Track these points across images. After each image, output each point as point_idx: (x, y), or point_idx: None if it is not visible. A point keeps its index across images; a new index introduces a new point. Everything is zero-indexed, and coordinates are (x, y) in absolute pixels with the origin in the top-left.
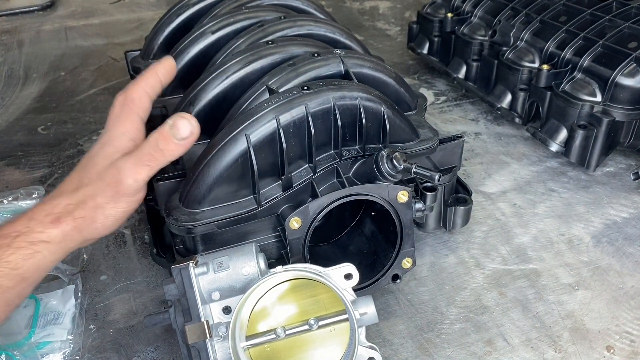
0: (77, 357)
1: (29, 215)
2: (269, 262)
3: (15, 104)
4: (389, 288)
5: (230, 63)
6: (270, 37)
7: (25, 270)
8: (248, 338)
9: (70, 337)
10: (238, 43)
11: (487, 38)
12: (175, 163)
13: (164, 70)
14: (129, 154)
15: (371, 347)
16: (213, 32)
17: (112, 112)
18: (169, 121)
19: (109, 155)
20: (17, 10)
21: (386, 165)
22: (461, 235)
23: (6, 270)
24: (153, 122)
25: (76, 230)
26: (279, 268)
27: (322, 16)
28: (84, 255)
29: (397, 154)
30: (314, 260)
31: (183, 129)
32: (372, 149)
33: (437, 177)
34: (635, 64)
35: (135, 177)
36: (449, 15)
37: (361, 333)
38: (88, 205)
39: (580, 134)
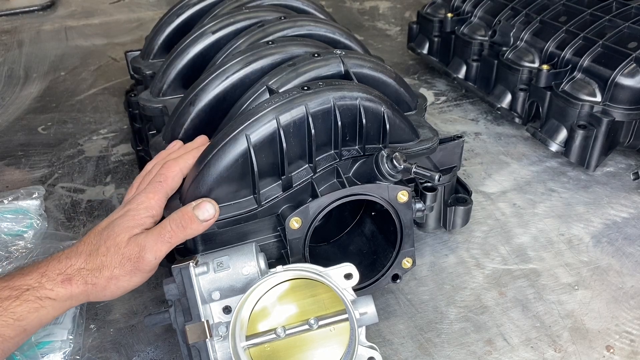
0: (78, 357)
1: (42, 271)
2: (269, 262)
3: (15, 104)
4: (389, 288)
5: (231, 63)
6: (270, 37)
7: (27, 322)
8: (248, 337)
9: (71, 337)
10: (238, 43)
11: (487, 38)
12: None
13: (198, 153)
14: (151, 231)
15: (371, 347)
16: (213, 32)
17: (142, 177)
18: (193, 203)
19: (129, 228)
20: (17, 10)
21: (386, 165)
22: (461, 235)
23: (10, 321)
24: (153, 122)
25: (84, 293)
26: (279, 268)
27: (322, 16)
28: None
29: (397, 154)
30: (314, 260)
31: (207, 211)
32: (372, 149)
33: (437, 177)
34: (635, 64)
35: (156, 254)
36: (449, 15)
37: (361, 333)
38: (103, 275)
39: (580, 134)
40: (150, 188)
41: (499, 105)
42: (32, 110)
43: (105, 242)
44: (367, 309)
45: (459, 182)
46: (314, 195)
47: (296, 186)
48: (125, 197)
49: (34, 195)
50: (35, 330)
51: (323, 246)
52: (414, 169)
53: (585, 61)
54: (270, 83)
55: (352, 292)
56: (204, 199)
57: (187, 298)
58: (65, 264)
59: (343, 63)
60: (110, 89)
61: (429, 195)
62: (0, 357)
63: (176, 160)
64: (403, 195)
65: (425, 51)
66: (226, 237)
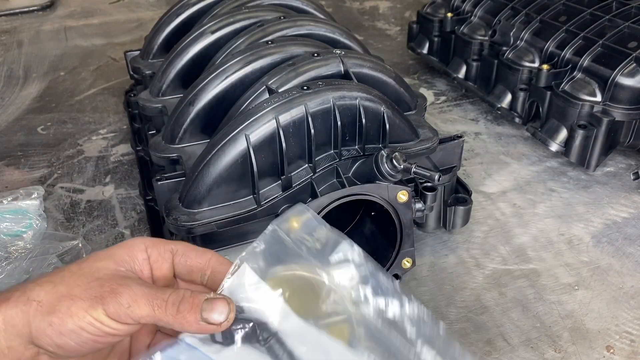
0: None
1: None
2: None
3: (15, 104)
4: None
5: (230, 63)
6: (270, 37)
7: None
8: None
9: None
10: (238, 43)
11: (487, 38)
12: (175, 163)
13: None
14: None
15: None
16: (213, 32)
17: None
18: (209, 295)
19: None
20: (17, 10)
21: (386, 165)
22: (461, 235)
23: None
24: (152, 122)
25: (21, 312)
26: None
27: (321, 16)
28: (84, 255)
29: (397, 154)
30: None
31: (218, 316)
32: (371, 149)
33: (437, 177)
34: (635, 64)
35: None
36: (449, 15)
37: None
38: (56, 290)
39: (580, 134)
40: None
41: (499, 105)
42: (32, 111)
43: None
44: None
45: (459, 182)
46: (314, 195)
47: (296, 186)
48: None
49: (33, 196)
50: None
51: None
52: (413, 169)
53: (585, 61)
54: (269, 83)
55: None
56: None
57: None
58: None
59: (343, 63)
60: (109, 89)
61: (429, 195)
62: None
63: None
64: (403, 195)
65: (425, 51)
66: (226, 237)
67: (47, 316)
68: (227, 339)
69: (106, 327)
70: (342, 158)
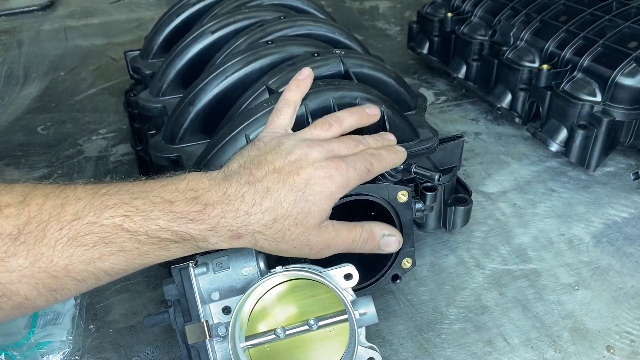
0: (77, 357)
1: (212, 223)
2: (268, 262)
3: (15, 104)
4: (388, 288)
5: (230, 63)
6: (270, 37)
7: (175, 256)
8: (248, 338)
9: (70, 337)
10: (238, 43)
11: (487, 38)
12: (175, 163)
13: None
14: (342, 234)
15: (371, 348)
16: (213, 32)
17: (355, 139)
18: (385, 230)
19: (324, 212)
20: (17, 10)
21: None
22: (461, 235)
23: (163, 257)
24: (152, 122)
25: (243, 245)
26: (279, 268)
27: (322, 16)
28: None
29: None
30: (314, 261)
31: (391, 247)
32: None
33: (437, 177)
34: (635, 64)
35: (335, 253)
36: (449, 15)
37: (361, 333)
38: (279, 247)
39: (580, 134)
40: (360, 167)
41: (499, 105)
42: (32, 110)
43: (297, 216)
44: (367, 309)
45: (459, 182)
46: None
47: None
48: (331, 144)
49: None
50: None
51: None
52: (413, 169)
53: (586, 61)
54: (269, 83)
55: (352, 293)
56: (396, 232)
57: (187, 298)
58: (242, 222)
59: (343, 63)
60: (109, 89)
61: (429, 195)
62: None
63: (396, 154)
64: (403, 195)
65: (425, 51)
66: None
67: (258, 248)
68: None
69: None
70: None
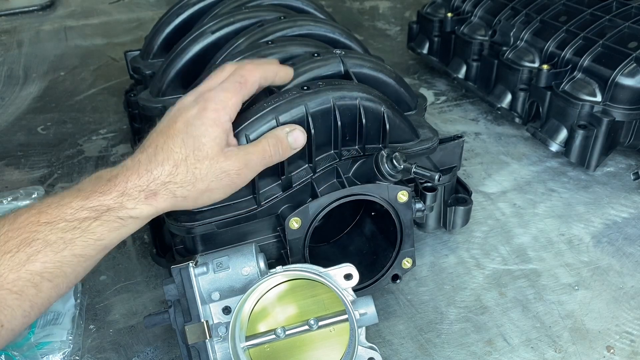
0: (77, 358)
1: (120, 189)
2: (268, 262)
3: (15, 104)
4: (388, 288)
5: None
6: (270, 37)
7: (109, 241)
8: (248, 338)
9: (70, 337)
10: (238, 43)
11: (487, 38)
12: None
13: (282, 74)
14: (252, 149)
15: (371, 348)
16: (213, 32)
17: (216, 74)
18: (286, 128)
19: (217, 138)
20: (17, 10)
21: (386, 165)
22: (461, 235)
23: (91, 241)
24: (153, 121)
25: (170, 206)
26: (279, 268)
27: (321, 16)
28: None
29: (397, 154)
30: (314, 261)
31: (299, 140)
32: (372, 149)
33: (437, 177)
34: (635, 64)
35: (255, 172)
36: (449, 15)
37: (361, 333)
38: (196, 188)
39: (580, 134)
40: (229, 86)
41: (499, 105)
42: (32, 111)
43: (194, 153)
44: (367, 309)
45: (459, 182)
46: (314, 196)
47: (296, 186)
48: (197, 88)
49: (33, 196)
50: (115, 245)
51: (323, 246)
52: (413, 169)
53: (586, 61)
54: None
55: (352, 293)
56: (296, 125)
57: (187, 298)
58: (147, 178)
59: (343, 63)
60: (109, 89)
61: (429, 195)
62: (82, 274)
63: (257, 67)
64: (403, 196)
65: (425, 51)
66: (226, 237)
67: (191, 203)
68: None
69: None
70: (342, 158)
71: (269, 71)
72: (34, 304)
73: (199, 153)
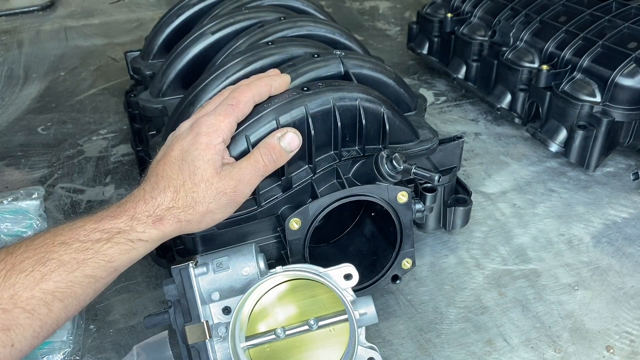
0: (77, 357)
1: (130, 214)
2: (268, 262)
3: (15, 104)
4: (388, 288)
5: (230, 64)
6: (270, 38)
7: (119, 263)
8: (248, 338)
9: (70, 337)
10: (238, 44)
11: (487, 38)
12: None
13: (277, 85)
14: (244, 164)
15: (371, 348)
16: (213, 33)
17: (213, 101)
18: (277, 133)
19: (212, 162)
20: (17, 10)
21: (386, 166)
22: (461, 235)
23: (102, 263)
24: (153, 122)
25: (177, 230)
26: (279, 268)
27: (321, 17)
28: None
29: (396, 154)
30: (314, 261)
31: (293, 142)
32: (371, 150)
33: (436, 177)
34: (634, 64)
35: (251, 187)
36: (449, 15)
37: (361, 333)
38: (197, 211)
39: (580, 134)
40: (220, 110)
41: (499, 106)
42: (32, 111)
43: (190, 177)
44: (367, 309)
45: (458, 182)
46: (314, 196)
47: (296, 187)
48: (193, 115)
49: (33, 196)
50: (125, 268)
51: (323, 247)
52: (413, 170)
53: (585, 61)
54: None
55: (352, 293)
56: (287, 128)
57: (187, 299)
58: (153, 204)
59: (343, 64)
60: (110, 89)
61: (429, 195)
62: (92, 296)
63: (249, 86)
64: (403, 196)
65: (425, 51)
66: (226, 237)
67: (196, 226)
68: None
69: (236, 208)
70: (342, 159)
71: (261, 87)
72: (44, 323)
73: (194, 177)
